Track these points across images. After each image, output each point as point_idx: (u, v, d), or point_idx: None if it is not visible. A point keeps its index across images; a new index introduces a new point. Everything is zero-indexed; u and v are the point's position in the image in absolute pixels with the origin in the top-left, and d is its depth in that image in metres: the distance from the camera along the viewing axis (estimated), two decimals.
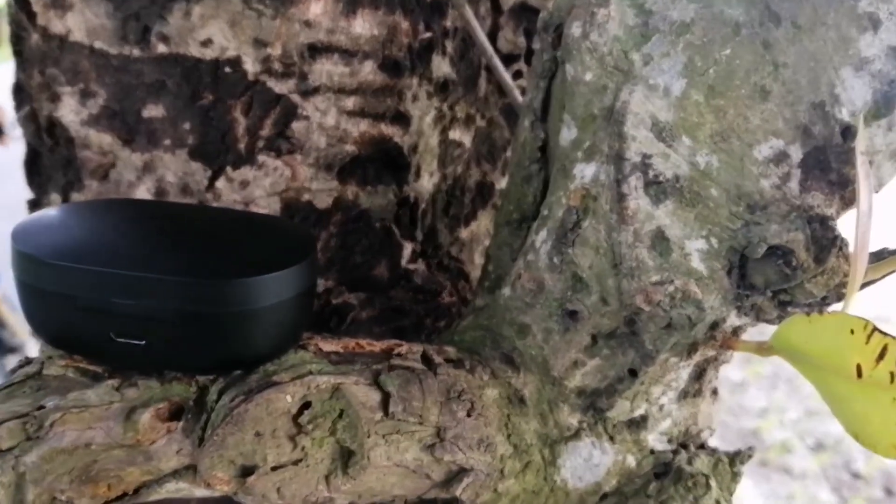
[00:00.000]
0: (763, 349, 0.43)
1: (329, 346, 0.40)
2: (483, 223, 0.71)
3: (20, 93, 0.64)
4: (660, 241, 0.43)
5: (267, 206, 0.56)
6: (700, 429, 0.51)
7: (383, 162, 0.59)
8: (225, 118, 0.56)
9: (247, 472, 0.36)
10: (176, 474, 0.37)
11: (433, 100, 0.61)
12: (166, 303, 0.34)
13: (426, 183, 0.64)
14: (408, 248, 0.63)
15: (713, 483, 0.48)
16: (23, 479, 0.35)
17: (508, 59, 0.68)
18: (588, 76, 0.44)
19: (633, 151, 0.43)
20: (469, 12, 0.59)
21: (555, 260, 0.45)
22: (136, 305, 0.34)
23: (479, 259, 0.71)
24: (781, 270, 0.42)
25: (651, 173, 0.43)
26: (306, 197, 0.57)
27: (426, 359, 0.43)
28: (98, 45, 0.57)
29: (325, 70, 0.56)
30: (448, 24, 0.61)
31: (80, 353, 0.38)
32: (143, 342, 0.35)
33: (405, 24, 0.57)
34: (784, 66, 0.42)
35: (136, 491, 0.37)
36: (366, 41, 0.56)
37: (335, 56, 0.56)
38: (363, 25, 0.56)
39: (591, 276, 0.44)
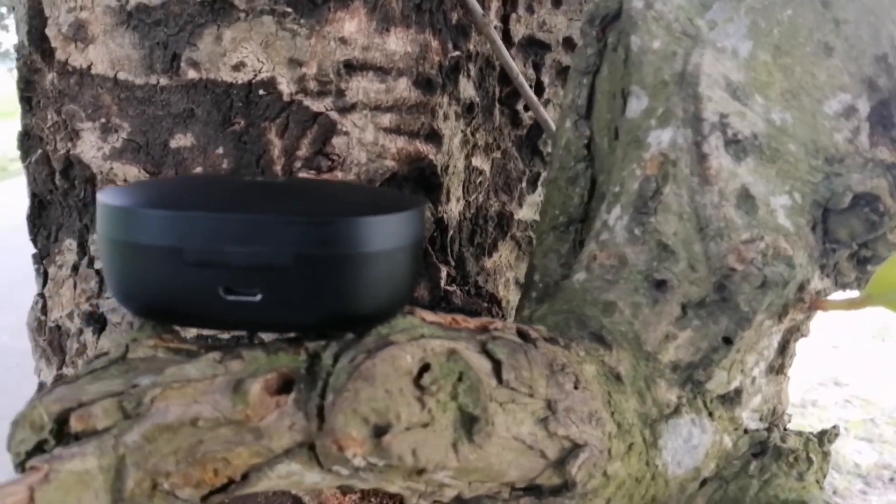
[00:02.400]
0: (855, 303, 0.43)
1: (431, 317, 0.38)
2: (504, 254, 0.70)
3: (27, 140, 0.61)
4: (745, 199, 0.43)
5: None
6: (784, 408, 0.49)
7: (418, 181, 0.58)
8: (259, 141, 0.55)
9: (379, 431, 0.33)
10: (289, 454, 0.33)
11: (460, 121, 0.61)
12: (285, 248, 0.31)
13: (454, 207, 0.63)
14: (443, 271, 0.61)
15: (814, 458, 0.46)
16: (123, 461, 0.31)
17: (517, 93, 0.69)
18: (656, 44, 0.44)
19: (710, 111, 0.43)
20: (494, 33, 0.60)
21: (636, 232, 0.44)
22: (251, 253, 0.31)
23: (502, 290, 0.70)
24: (868, 219, 0.43)
25: (730, 132, 0.43)
26: None
27: (522, 334, 0.41)
28: (122, 76, 0.55)
29: (362, 87, 0.55)
30: (471, 47, 0.62)
31: (179, 320, 0.34)
32: (258, 297, 0.32)
33: (435, 43, 0.58)
34: (845, 23, 0.43)
35: (245, 477, 0.33)
36: (400, 58, 0.56)
37: (370, 73, 0.56)
38: (397, 43, 0.56)
39: (677, 243, 0.43)
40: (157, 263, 0.32)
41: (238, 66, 0.54)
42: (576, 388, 0.40)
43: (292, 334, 0.35)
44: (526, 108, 0.69)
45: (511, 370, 0.37)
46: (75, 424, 0.31)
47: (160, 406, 0.31)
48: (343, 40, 0.55)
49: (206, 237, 0.31)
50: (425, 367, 0.35)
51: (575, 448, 0.39)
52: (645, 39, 0.45)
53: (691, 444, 0.45)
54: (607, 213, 0.46)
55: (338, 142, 0.54)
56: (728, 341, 0.43)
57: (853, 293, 0.46)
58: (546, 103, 0.70)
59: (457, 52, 0.59)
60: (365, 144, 0.55)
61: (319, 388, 0.34)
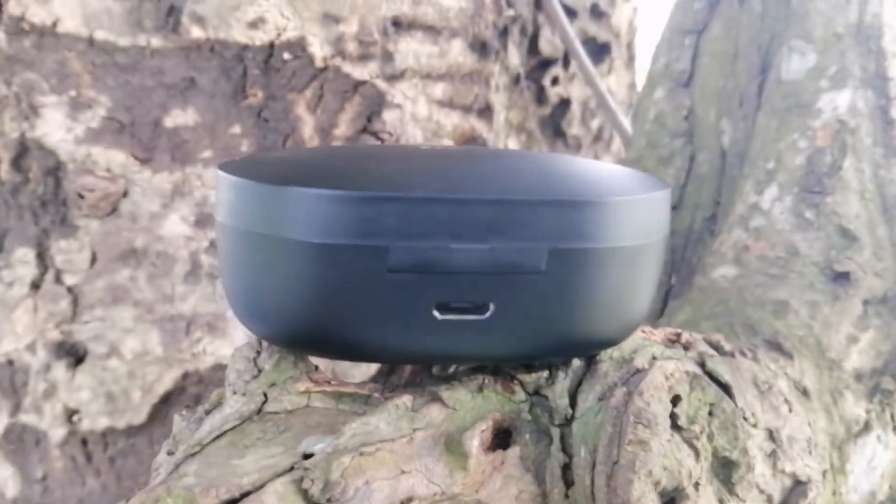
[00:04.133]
0: None
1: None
2: None
3: None
4: None
5: None
6: None
7: None
8: (286, 118, 0.44)
9: (667, 497, 0.23)
10: None
11: (507, 95, 0.52)
12: (540, 241, 0.21)
13: None
14: None
15: None
16: None
17: (545, 64, 0.60)
18: None
19: None
20: None
21: (807, 215, 0.37)
22: (491, 252, 0.21)
23: None
24: None
25: None
26: None
27: (714, 346, 0.32)
28: (100, 35, 0.43)
29: (412, 50, 0.45)
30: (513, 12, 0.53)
31: (350, 351, 0.23)
32: (487, 314, 0.22)
33: None
34: None
35: None
36: (454, 15, 0.46)
37: (420, 33, 0.46)
38: None
39: (860, 227, 0.36)
40: (340, 269, 0.21)
41: (255, 24, 0.43)
42: (789, 410, 0.32)
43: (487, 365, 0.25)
44: (554, 83, 0.60)
45: (741, 395, 0.29)
46: None
47: (358, 485, 0.21)
48: None
49: (424, 230, 0.21)
50: (674, 401, 0.26)
51: (797, 485, 0.31)
52: None
53: (872, 466, 0.38)
54: (757, 195, 0.39)
55: (389, 117, 0.44)
56: None
57: None
58: (571, 78, 0.62)
59: (511, 12, 0.50)
60: (419, 121, 0.45)
61: (557, 441, 0.24)
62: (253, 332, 0.25)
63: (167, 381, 0.44)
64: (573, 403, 0.24)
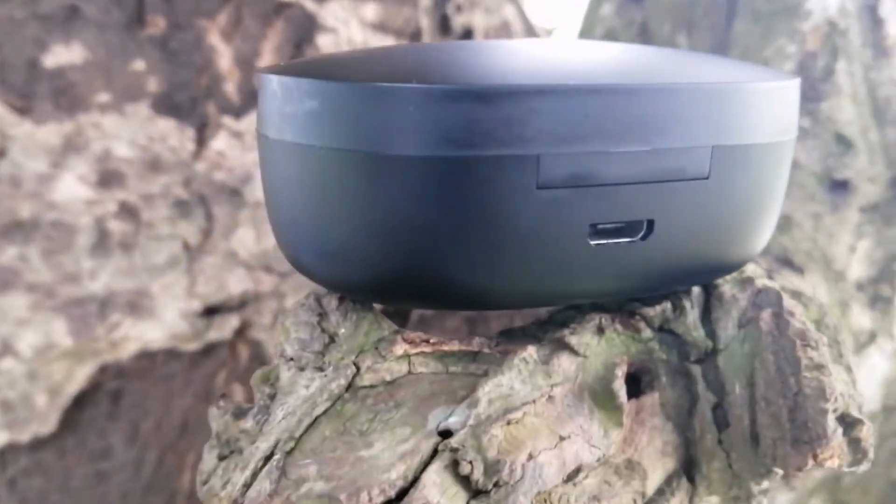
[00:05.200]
0: None
1: None
2: None
3: None
4: None
5: None
6: None
7: None
8: (197, 48, 0.36)
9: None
10: (663, 493, 0.19)
11: (433, 17, 0.47)
12: (703, 138, 0.17)
13: None
14: None
15: None
16: None
17: None
18: None
19: None
20: None
21: (802, 124, 0.35)
22: (649, 155, 0.17)
23: None
24: None
25: None
26: None
27: None
28: None
29: None
30: None
31: (477, 302, 0.18)
32: (646, 233, 0.17)
33: None
34: None
35: None
36: None
37: None
38: None
39: (855, 133, 0.35)
40: (473, 190, 0.16)
41: None
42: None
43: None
44: (457, 10, 0.55)
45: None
46: None
47: (522, 461, 0.16)
48: None
49: (582, 131, 0.16)
50: None
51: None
52: None
53: (871, 375, 0.37)
54: None
55: (324, 42, 0.38)
56: None
57: None
58: (473, 5, 0.57)
59: None
60: (355, 45, 0.39)
61: (701, 379, 0.20)
62: (326, 283, 0.19)
63: (80, 379, 0.36)
64: (711, 335, 0.21)
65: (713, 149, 0.18)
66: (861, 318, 0.36)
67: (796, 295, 0.23)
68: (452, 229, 0.17)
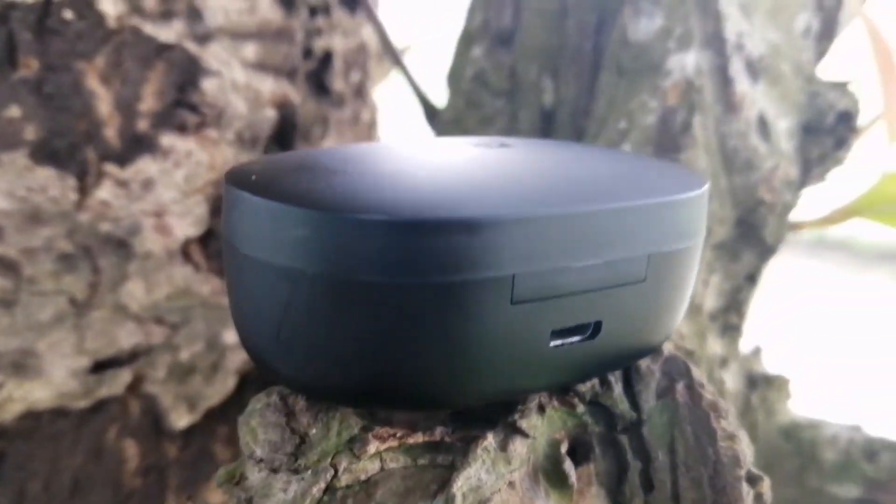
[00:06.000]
0: (832, 219, 0.44)
1: None
2: None
3: None
4: (762, 125, 0.40)
5: (186, 211, 0.37)
6: None
7: (280, 135, 0.44)
8: (76, 93, 0.35)
9: None
10: None
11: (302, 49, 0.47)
12: (640, 247, 0.19)
13: None
14: None
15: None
16: None
17: (311, 13, 0.55)
18: None
19: (730, 31, 0.39)
20: None
21: None
22: (602, 266, 0.18)
23: None
24: (840, 136, 0.43)
25: (745, 53, 0.39)
26: None
27: None
28: None
29: (220, 6, 0.38)
30: None
31: (447, 402, 0.19)
32: (597, 332, 0.19)
33: None
34: None
35: None
36: None
37: None
38: None
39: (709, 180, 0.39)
40: (452, 309, 0.17)
41: None
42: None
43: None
44: (317, 34, 0.56)
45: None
46: None
47: None
48: None
49: (550, 251, 0.18)
50: None
51: None
52: None
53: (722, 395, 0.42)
54: None
55: (209, 86, 0.37)
56: (751, 278, 0.41)
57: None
58: (333, 28, 0.58)
59: None
60: (240, 88, 0.39)
61: (630, 448, 0.23)
62: (295, 387, 0.20)
63: None
64: (634, 406, 0.23)
65: (649, 256, 0.20)
66: (714, 345, 0.40)
67: (689, 354, 0.27)
68: (429, 345, 0.18)
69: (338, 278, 0.17)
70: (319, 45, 0.55)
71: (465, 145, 0.23)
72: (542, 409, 0.22)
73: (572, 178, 0.20)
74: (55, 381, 0.34)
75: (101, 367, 0.35)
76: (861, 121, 0.43)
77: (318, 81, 0.58)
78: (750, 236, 0.40)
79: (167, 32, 0.37)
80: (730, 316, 0.41)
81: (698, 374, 0.24)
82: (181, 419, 0.37)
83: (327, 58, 0.57)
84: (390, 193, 0.18)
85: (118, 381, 0.35)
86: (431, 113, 0.51)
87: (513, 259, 0.18)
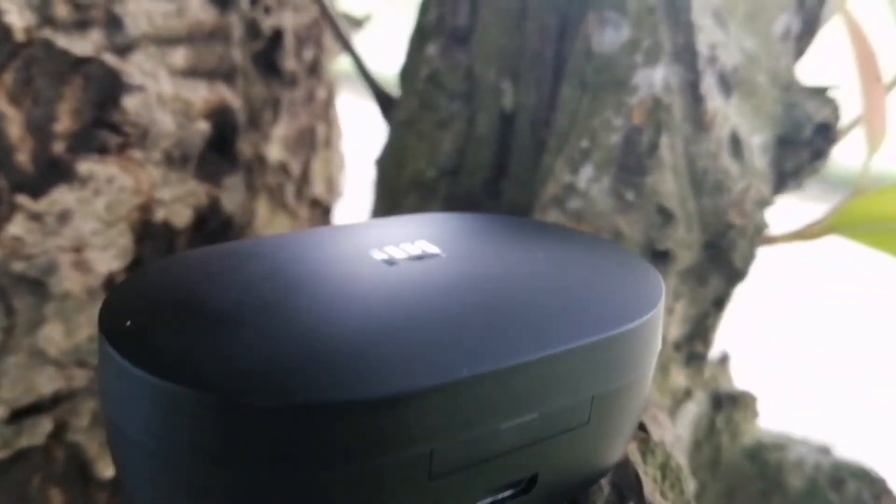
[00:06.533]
0: (807, 234, 0.41)
1: None
2: (260, 213, 0.54)
3: None
4: (735, 143, 0.37)
5: (108, 242, 0.34)
6: None
7: (220, 141, 0.40)
8: None
9: None
10: None
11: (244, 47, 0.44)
12: (584, 392, 0.17)
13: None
14: None
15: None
16: None
17: None
18: None
19: (703, 43, 0.36)
20: None
21: (627, 197, 0.36)
22: (537, 420, 0.16)
23: None
24: (818, 148, 0.41)
25: (718, 66, 0.36)
26: (161, 214, 0.36)
27: None
28: None
29: (143, 10, 0.35)
30: None
31: None
32: (527, 485, 0.17)
33: None
34: None
35: None
36: None
37: None
38: None
39: (675, 204, 0.36)
40: (365, 493, 0.15)
41: None
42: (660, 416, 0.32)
43: None
44: (266, 12, 0.52)
45: (654, 429, 0.28)
46: None
47: None
48: None
49: (473, 416, 0.15)
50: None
51: None
52: None
53: (684, 420, 0.40)
54: (572, 174, 0.37)
55: (132, 103, 0.34)
56: (719, 303, 0.39)
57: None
58: (282, 5, 0.54)
59: None
60: (166, 101, 0.36)
61: None
62: None
63: None
64: None
65: (593, 398, 0.18)
66: (678, 377, 0.38)
67: (643, 442, 0.24)
68: None
69: (225, 468, 0.15)
70: (268, 23, 0.51)
71: (374, 261, 0.20)
72: None
73: (499, 315, 0.18)
74: None
75: (19, 415, 0.32)
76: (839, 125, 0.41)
77: (267, 62, 0.55)
78: (718, 260, 0.38)
79: (83, 45, 0.33)
80: (695, 344, 0.39)
81: (650, 489, 0.22)
82: (108, 469, 0.34)
83: (277, 36, 0.54)
84: (285, 366, 0.15)
85: (39, 431, 0.33)
86: (387, 104, 0.48)
87: (430, 434, 0.15)
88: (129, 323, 0.17)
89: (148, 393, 0.15)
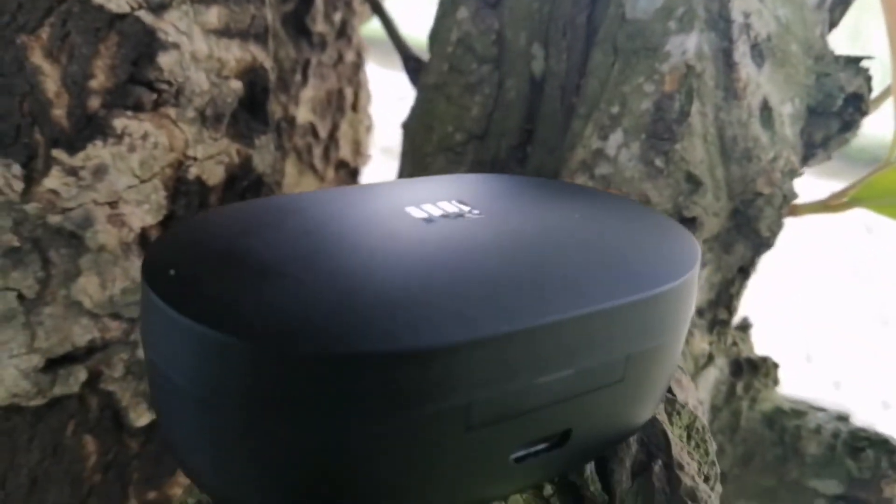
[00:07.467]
0: (832, 206, 0.41)
1: None
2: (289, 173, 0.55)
3: None
4: (766, 112, 0.37)
5: (142, 198, 0.34)
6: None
7: (252, 101, 0.41)
8: (18, 71, 0.32)
9: None
10: None
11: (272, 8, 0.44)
12: (619, 349, 0.17)
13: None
14: None
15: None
16: None
17: None
18: None
19: (737, 10, 0.35)
20: None
21: (657, 163, 0.36)
22: (572, 376, 0.17)
23: None
24: (848, 118, 0.40)
25: (752, 34, 0.36)
26: (194, 172, 0.36)
27: None
28: None
29: None
30: None
31: None
32: (561, 439, 0.18)
33: None
34: None
35: None
36: None
37: None
38: None
39: (704, 171, 0.36)
40: (402, 443, 0.15)
41: None
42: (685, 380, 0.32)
43: None
44: None
45: (679, 393, 0.28)
46: None
47: None
48: None
49: (509, 371, 0.16)
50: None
51: None
52: None
53: (706, 385, 0.40)
54: (601, 140, 0.37)
55: (167, 60, 0.34)
56: (744, 271, 0.39)
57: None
58: None
59: None
60: (200, 60, 0.36)
61: None
62: None
63: None
64: (607, 488, 0.22)
65: (628, 357, 0.18)
66: (701, 343, 0.38)
67: (670, 403, 0.25)
68: (377, 473, 0.16)
69: (270, 416, 0.15)
70: None
71: (412, 218, 0.20)
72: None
73: (537, 272, 0.18)
74: (6, 381, 0.32)
75: (54, 365, 0.33)
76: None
77: (297, 23, 0.55)
78: (745, 228, 0.38)
79: (118, 1, 0.33)
80: (719, 311, 0.39)
81: (678, 448, 0.22)
82: (140, 417, 0.35)
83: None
84: (329, 316, 0.16)
85: (73, 380, 0.34)
86: (415, 68, 0.48)
87: (467, 387, 0.16)
88: (172, 272, 0.17)
89: (191, 340, 0.16)
